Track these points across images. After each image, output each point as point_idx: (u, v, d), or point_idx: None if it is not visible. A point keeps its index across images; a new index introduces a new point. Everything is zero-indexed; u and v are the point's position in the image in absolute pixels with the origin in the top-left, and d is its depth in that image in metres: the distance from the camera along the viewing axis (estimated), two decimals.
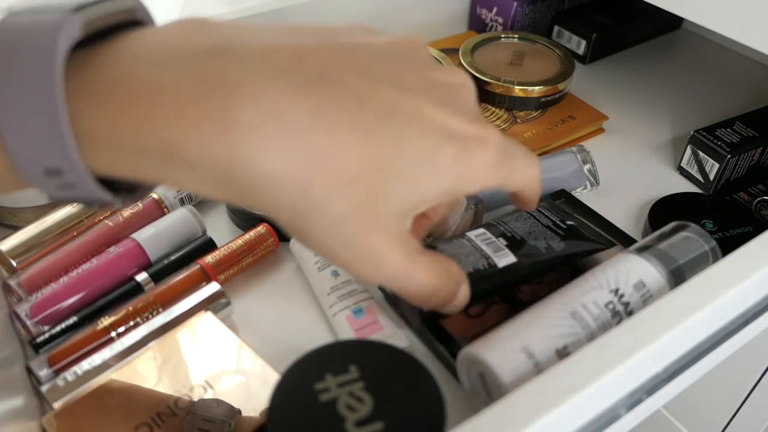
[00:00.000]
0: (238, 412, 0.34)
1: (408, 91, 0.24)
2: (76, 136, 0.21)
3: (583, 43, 0.71)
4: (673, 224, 0.40)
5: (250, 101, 0.21)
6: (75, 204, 0.25)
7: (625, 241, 0.46)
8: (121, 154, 0.22)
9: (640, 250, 0.38)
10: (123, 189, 0.25)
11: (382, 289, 0.44)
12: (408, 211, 0.25)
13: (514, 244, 0.39)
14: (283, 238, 0.47)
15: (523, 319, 0.35)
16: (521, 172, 0.29)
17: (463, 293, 0.31)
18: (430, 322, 0.38)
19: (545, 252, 0.40)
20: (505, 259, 0.38)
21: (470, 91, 0.27)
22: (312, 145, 0.22)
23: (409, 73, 0.25)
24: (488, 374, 0.32)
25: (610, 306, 0.34)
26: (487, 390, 0.34)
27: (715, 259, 0.38)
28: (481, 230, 0.40)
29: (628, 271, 0.36)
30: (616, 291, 0.35)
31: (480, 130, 0.25)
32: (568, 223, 0.44)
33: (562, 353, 0.32)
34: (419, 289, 0.28)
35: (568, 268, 0.42)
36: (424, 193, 0.25)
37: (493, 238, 0.39)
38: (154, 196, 0.48)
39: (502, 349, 0.33)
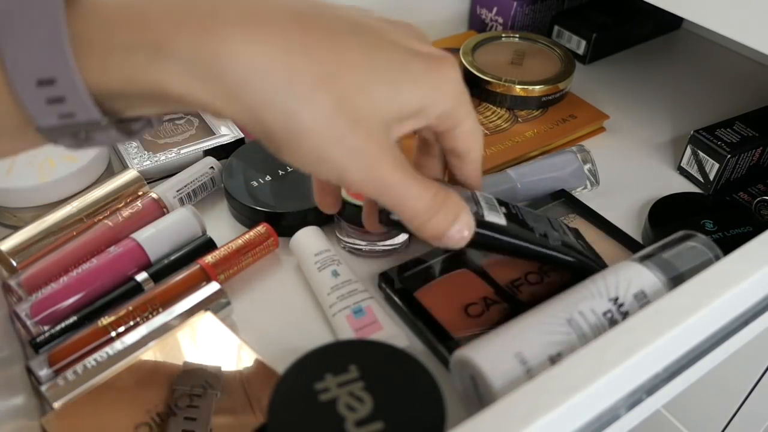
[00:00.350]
0: (220, 375, 0.34)
1: (376, 21, 0.28)
2: (70, 40, 0.22)
3: (583, 43, 0.71)
4: (680, 233, 0.40)
5: (233, 2, 0.23)
6: (66, 144, 0.25)
7: (625, 240, 0.46)
8: (112, 53, 0.23)
9: (644, 259, 0.37)
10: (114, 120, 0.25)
11: (381, 288, 0.44)
12: (391, 118, 0.26)
13: (513, 218, 0.37)
14: (283, 236, 0.47)
15: (518, 324, 0.34)
16: (473, 125, 0.31)
17: (462, 225, 0.30)
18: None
19: (538, 238, 0.38)
20: (494, 218, 0.36)
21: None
22: (290, 40, 0.23)
23: (391, 25, 0.29)
24: (479, 378, 0.32)
25: (608, 315, 0.34)
26: (479, 394, 0.33)
27: None
28: (489, 195, 0.38)
29: (629, 279, 0.35)
30: (616, 300, 0.34)
31: (443, 53, 0.28)
32: (579, 240, 0.43)
33: (556, 360, 0.32)
34: (413, 205, 0.28)
35: (571, 271, 0.41)
36: (402, 100, 0.26)
37: (495, 203, 0.37)
38: (154, 195, 0.48)
39: (494, 354, 0.32)
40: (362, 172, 0.26)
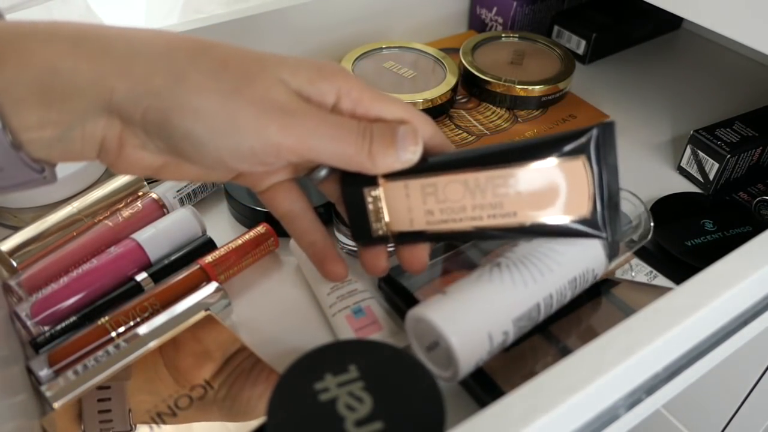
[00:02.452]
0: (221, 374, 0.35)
1: None
2: None
3: (583, 42, 0.71)
4: None
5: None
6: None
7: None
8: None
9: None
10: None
11: (381, 288, 0.44)
12: (285, 79, 0.27)
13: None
14: (283, 236, 0.47)
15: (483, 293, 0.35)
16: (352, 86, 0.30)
17: (406, 139, 0.29)
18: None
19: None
20: None
21: None
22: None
23: None
24: (444, 348, 0.33)
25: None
26: (433, 354, 0.34)
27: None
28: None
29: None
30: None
31: None
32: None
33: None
34: (343, 139, 0.28)
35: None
36: (293, 61, 0.28)
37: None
38: (154, 196, 0.48)
39: (468, 334, 0.33)
40: (279, 118, 0.26)
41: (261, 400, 0.35)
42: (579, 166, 0.27)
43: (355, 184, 0.31)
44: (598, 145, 0.26)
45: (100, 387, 0.35)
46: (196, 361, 0.37)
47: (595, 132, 0.26)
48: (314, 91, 0.28)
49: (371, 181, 0.30)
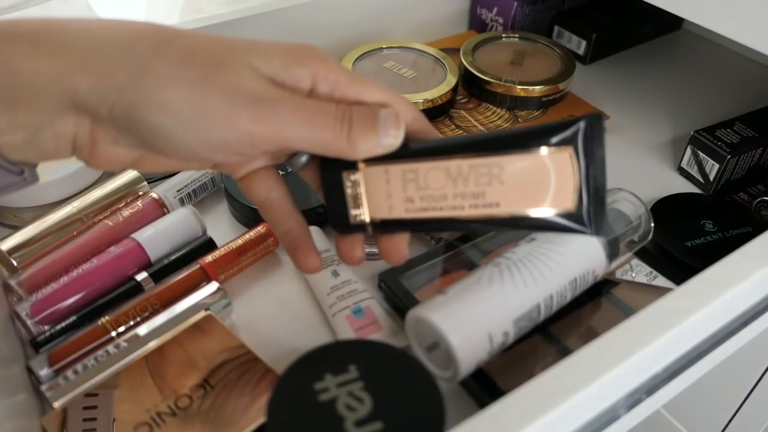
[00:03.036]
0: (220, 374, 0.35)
1: None
2: None
3: (583, 43, 0.71)
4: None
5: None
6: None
7: None
8: None
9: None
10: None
11: (381, 288, 0.44)
12: (254, 65, 0.26)
13: None
14: None
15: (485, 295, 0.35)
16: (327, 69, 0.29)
17: (387, 123, 0.28)
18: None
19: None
20: None
21: None
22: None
23: None
24: (445, 349, 0.33)
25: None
26: (433, 355, 0.34)
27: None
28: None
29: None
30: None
31: None
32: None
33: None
34: (321, 124, 0.27)
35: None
36: (264, 46, 0.27)
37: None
38: (154, 195, 0.48)
39: (469, 334, 0.33)
40: (249, 108, 0.25)
41: (246, 411, 0.34)
42: (565, 158, 0.26)
43: (333, 168, 0.30)
44: (585, 137, 0.26)
45: (87, 395, 0.35)
46: (181, 370, 0.37)
47: (582, 124, 0.26)
48: (289, 76, 0.27)
49: (351, 165, 0.29)
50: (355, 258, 0.32)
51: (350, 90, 0.28)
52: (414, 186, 0.28)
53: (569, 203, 0.26)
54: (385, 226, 0.30)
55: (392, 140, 0.28)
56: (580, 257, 0.37)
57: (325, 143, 0.27)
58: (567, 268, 0.36)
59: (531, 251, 0.37)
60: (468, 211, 0.28)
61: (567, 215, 0.26)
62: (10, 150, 0.25)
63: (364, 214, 0.30)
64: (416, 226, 0.29)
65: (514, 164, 0.26)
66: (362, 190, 0.30)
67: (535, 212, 0.27)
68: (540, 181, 0.26)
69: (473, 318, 0.34)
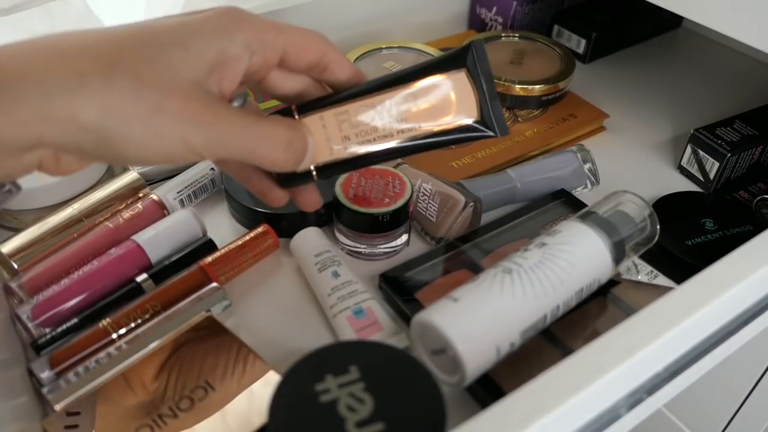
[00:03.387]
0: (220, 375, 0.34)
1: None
2: None
3: (583, 42, 0.71)
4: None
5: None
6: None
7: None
8: None
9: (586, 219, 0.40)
10: None
11: (382, 289, 0.44)
12: (198, 73, 0.27)
13: None
14: (283, 236, 0.47)
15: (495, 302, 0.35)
16: (290, 37, 0.30)
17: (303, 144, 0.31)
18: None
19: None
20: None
21: None
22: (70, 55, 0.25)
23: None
24: (452, 357, 0.33)
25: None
26: (438, 359, 0.35)
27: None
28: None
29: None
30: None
31: (218, 6, 0.29)
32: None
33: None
34: (270, 143, 0.28)
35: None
36: (195, 53, 0.27)
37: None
38: (154, 197, 0.48)
39: (477, 346, 0.34)
40: (201, 131, 0.26)
41: (246, 411, 0.35)
42: (463, 78, 0.32)
43: None
44: (474, 59, 0.32)
45: (69, 413, 0.35)
46: (160, 386, 0.36)
47: (472, 48, 0.32)
48: (226, 83, 0.28)
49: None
50: (314, 203, 0.35)
51: (279, 45, 0.30)
52: (348, 125, 0.32)
53: (474, 113, 0.32)
54: (329, 170, 0.33)
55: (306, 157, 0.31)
56: (590, 265, 0.38)
57: (268, 161, 0.29)
58: (576, 278, 0.37)
59: (542, 259, 0.37)
60: (398, 137, 0.33)
61: (475, 123, 0.33)
62: None
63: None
64: (356, 163, 0.33)
65: (425, 90, 0.32)
66: None
67: (450, 125, 0.33)
68: (447, 100, 0.32)
69: (483, 329, 0.34)
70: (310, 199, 0.35)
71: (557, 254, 0.37)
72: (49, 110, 0.24)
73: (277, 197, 0.35)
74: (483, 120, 0.32)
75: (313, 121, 0.32)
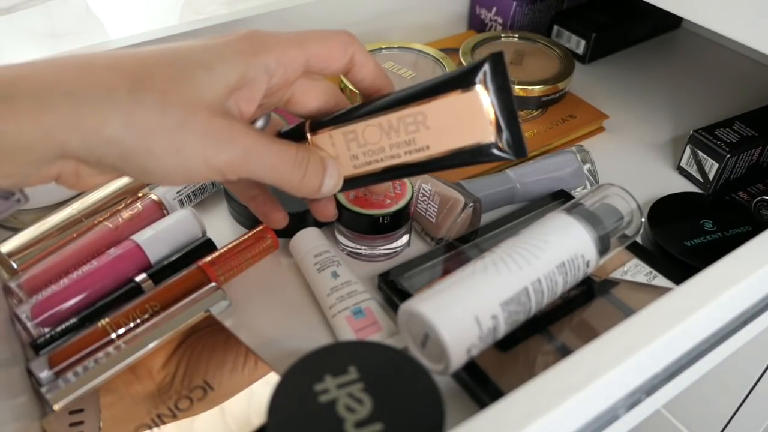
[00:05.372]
0: (220, 376, 0.34)
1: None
2: None
3: (583, 42, 0.71)
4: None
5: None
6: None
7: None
8: None
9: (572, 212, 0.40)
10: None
11: (381, 289, 0.44)
12: (220, 94, 0.27)
13: None
14: (283, 237, 0.47)
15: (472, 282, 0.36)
16: (311, 51, 0.31)
17: (332, 176, 0.32)
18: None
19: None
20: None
21: None
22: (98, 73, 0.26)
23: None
24: (434, 338, 0.33)
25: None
26: (427, 349, 0.35)
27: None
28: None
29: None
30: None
31: (240, 29, 0.30)
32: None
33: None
34: (282, 167, 0.29)
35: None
36: (219, 75, 0.27)
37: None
38: (154, 197, 0.48)
39: (454, 317, 0.34)
40: (224, 150, 0.27)
41: (245, 411, 0.35)
42: (478, 96, 0.29)
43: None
44: (492, 75, 0.29)
45: (71, 411, 0.35)
46: (168, 374, 0.37)
47: (487, 64, 0.29)
48: (244, 103, 0.29)
49: (300, 137, 0.33)
50: (330, 214, 0.36)
51: (299, 64, 0.31)
52: (356, 144, 0.32)
53: (489, 135, 0.29)
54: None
55: (334, 181, 0.32)
56: (564, 241, 0.38)
57: (283, 182, 0.30)
58: (551, 252, 0.37)
59: (514, 243, 0.37)
60: (405, 158, 0.31)
61: (489, 145, 0.30)
62: None
63: None
64: (364, 181, 0.33)
65: (434, 110, 0.30)
66: None
67: (462, 147, 0.30)
68: (459, 120, 0.30)
69: (457, 301, 0.34)
70: (326, 210, 0.36)
71: (528, 233, 0.38)
72: (75, 120, 0.25)
73: (278, 219, 0.37)
74: (498, 143, 0.29)
75: (322, 139, 0.32)
